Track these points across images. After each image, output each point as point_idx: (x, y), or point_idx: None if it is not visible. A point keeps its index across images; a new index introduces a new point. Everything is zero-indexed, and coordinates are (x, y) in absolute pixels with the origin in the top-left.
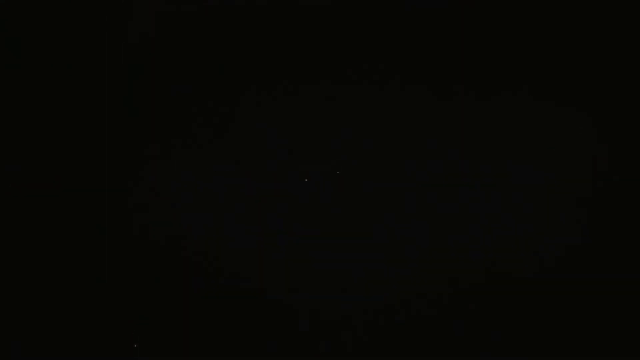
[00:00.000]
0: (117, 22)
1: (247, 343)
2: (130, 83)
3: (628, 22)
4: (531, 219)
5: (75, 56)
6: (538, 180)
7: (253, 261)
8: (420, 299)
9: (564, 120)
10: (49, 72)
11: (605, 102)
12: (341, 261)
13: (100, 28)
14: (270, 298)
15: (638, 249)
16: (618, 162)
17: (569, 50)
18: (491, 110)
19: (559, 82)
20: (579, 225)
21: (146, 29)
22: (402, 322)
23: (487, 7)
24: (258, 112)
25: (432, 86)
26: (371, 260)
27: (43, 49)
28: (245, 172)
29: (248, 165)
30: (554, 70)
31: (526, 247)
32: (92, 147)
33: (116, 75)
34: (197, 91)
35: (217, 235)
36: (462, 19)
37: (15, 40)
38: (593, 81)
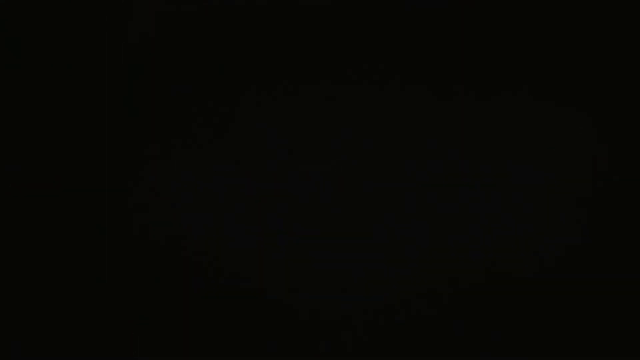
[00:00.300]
0: (117, 22)
1: (247, 343)
2: (130, 83)
3: (628, 22)
4: (531, 219)
5: (75, 56)
6: (538, 180)
7: (253, 261)
8: (420, 299)
9: (564, 120)
10: (49, 72)
11: (605, 102)
12: (341, 261)
13: (100, 28)
14: (270, 298)
15: (638, 249)
16: (618, 162)
17: (569, 50)
18: (491, 110)
19: (559, 82)
20: (579, 225)
21: (146, 29)
22: (402, 322)
23: (487, 7)
24: (258, 112)
25: (432, 86)
26: (371, 260)
27: (43, 49)
28: (245, 172)
29: (248, 165)
30: (554, 70)
31: (526, 247)
32: (92, 147)
33: (116, 75)
34: (197, 91)
35: (217, 235)
36: (462, 19)
37: (15, 40)
38: (593, 81)
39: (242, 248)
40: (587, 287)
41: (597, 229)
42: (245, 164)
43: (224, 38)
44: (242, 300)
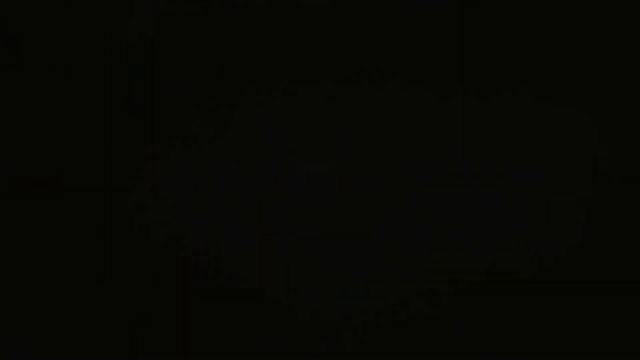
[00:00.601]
0: (117, 22)
1: (247, 343)
2: (130, 83)
3: (628, 22)
4: (531, 219)
5: (75, 56)
6: (538, 180)
7: (253, 261)
8: (420, 299)
9: (564, 120)
10: (49, 72)
11: (605, 102)
12: (341, 261)
13: (100, 28)
14: (270, 298)
15: (638, 249)
16: (618, 162)
17: (569, 50)
18: (491, 110)
19: (559, 82)
20: (579, 225)
21: (146, 29)
22: (402, 322)
23: (487, 7)
24: (258, 112)
25: (432, 86)
26: (371, 260)
27: (43, 49)
28: (245, 172)
29: (248, 165)
30: (554, 70)
31: (526, 247)
32: (92, 147)
33: (116, 75)
34: (197, 91)
35: (217, 235)
36: (462, 19)
37: (15, 40)
38: (593, 81)
39: (242, 248)
40: (587, 287)
41: (597, 229)
42: (245, 164)
43: (224, 38)
44: (242, 300)
